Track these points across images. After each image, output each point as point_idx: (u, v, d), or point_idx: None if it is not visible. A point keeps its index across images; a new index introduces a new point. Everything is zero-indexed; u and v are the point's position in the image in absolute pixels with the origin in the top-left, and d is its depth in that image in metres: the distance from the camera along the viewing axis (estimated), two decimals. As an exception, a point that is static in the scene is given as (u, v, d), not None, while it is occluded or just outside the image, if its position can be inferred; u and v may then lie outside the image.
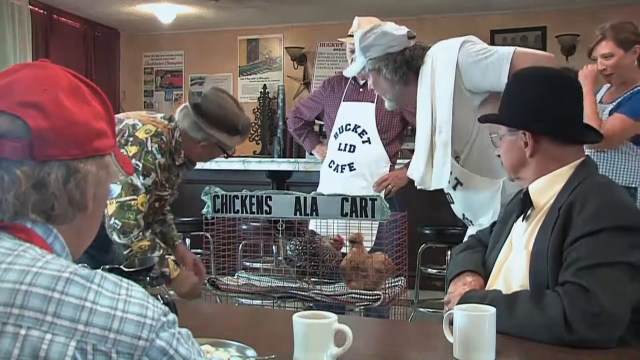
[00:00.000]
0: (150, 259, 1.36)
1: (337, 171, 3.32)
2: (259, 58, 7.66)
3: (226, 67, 7.71)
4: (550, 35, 6.66)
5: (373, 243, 2.67)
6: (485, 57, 2.18)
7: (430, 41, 2.41)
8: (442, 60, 2.25)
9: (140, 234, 2.32)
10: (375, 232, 2.58)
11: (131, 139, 2.32)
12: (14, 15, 6.06)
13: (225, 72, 7.72)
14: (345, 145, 3.31)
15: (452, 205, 2.43)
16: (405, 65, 2.32)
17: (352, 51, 3.30)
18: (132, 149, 2.30)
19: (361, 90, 3.37)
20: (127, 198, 2.29)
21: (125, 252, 2.33)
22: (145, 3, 6.58)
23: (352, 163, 3.28)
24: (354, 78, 3.40)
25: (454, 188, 2.32)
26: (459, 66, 2.20)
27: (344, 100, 3.39)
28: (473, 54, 2.20)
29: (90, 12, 7.01)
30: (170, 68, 8.02)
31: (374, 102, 3.30)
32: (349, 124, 3.32)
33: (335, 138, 3.37)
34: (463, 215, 2.40)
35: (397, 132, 3.36)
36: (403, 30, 2.37)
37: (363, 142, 3.28)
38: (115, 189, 2.30)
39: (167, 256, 2.40)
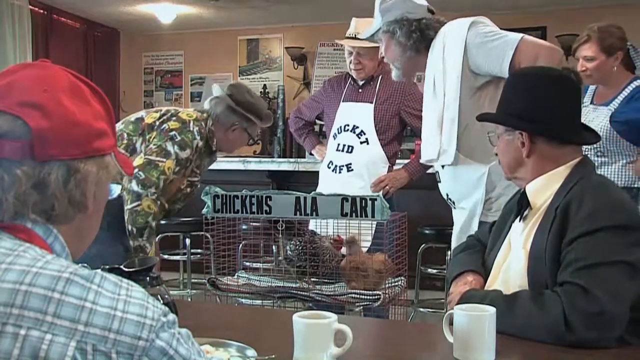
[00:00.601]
0: (150, 259, 1.36)
1: (335, 172, 3.31)
2: (259, 58, 7.67)
3: (226, 67, 7.71)
4: (550, 35, 6.65)
5: (371, 243, 2.67)
6: (491, 40, 2.19)
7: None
8: (452, 37, 2.28)
9: (156, 196, 2.37)
10: (373, 232, 2.58)
11: (174, 117, 2.47)
12: (14, 15, 6.06)
13: (225, 72, 7.72)
14: (344, 146, 3.30)
15: (439, 185, 2.46)
16: (419, 31, 2.35)
17: (350, 53, 3.30)
18: (174, 124, 2.44)
19: (360, 90, 3.36)
20: (156, 158, 2.38)
21: (132, 205, 2.34)
22: (145, 3, 6.58)
23: (350, 164, 3.28)
24: (353, 78, 3.40)
25: (443, 167, 2.35)
26: (466, 45, 2.22)
27: (343, 101, 3.38)
28: (481, 35, 2.21)
29: (90, 12, 7.01)
30: (170, 68, 8.03)
31: (372, 102, 3.29)
32: (348, 125, 3.31)
33: (334, 138, 3.36)
34: (447, 195, 2.42)
35: (396, 132, 3.35)
36: (424, 1, 2.41)
37: (361, 142, 3.27)
38: (116, 189, 2.31)
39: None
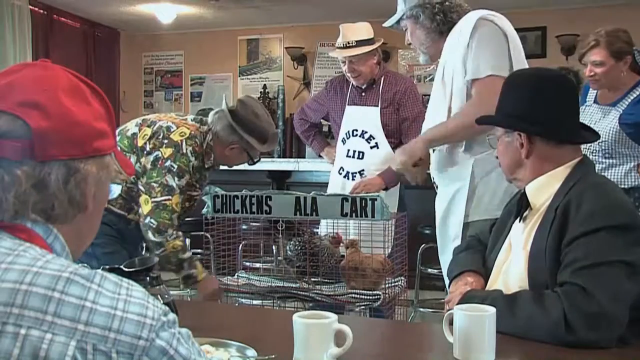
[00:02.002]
0: (150, 259, 1.36)
1: (347, 178, 3.28)
2: (259, 58, 7.67)
3: (226, 67, 7.71)
4: (550, 35, 6.66)
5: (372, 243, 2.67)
6: (476, 51, 2.19)
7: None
8: (462, 30, 2.27)
9: (174, 233, 2.37)
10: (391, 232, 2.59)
11: (166, 141, 2.37)
12: (14, 15, 6.06)
13: (225, 72, 7.73)
14: (354, 152, 3.28)
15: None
16: (442, 13, 2.35)
17: (344, 62, 3.25)
18: (167, 151, 2.36)
19: (364, 94, 3.32)
20: (163, 198, 2.34)
21: (158, 252, 2.37)
22: (145, 3, 6.58)
23: (363, 170, 3.25)
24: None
25: (433, 151, 2.37)
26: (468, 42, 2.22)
27: (348, 104, 3.34)
28: (475, 41, 2.21)
29: (90, 12, 7.01)
30: (170, 68, 8.03)
31: (377, 106, 3.25)
32: (356, 130, 3.28)
33: (344, 144, 3.33)
34: (433, 178, 2.45)
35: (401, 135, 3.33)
36: None
37: (371, 147, 3.25)
38: (116, 189, 2.30)
39: (192, 255, 2.46)
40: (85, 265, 0.85)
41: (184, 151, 2.37)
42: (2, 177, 0.84)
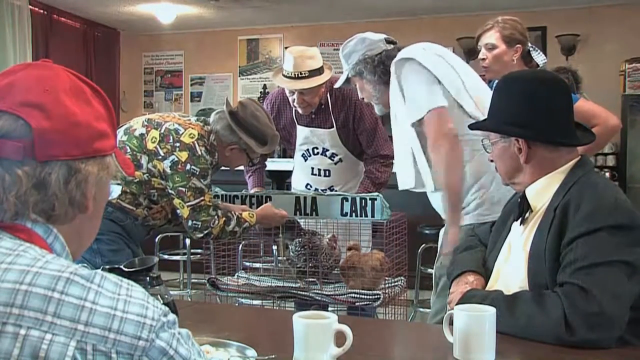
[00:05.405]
0: (150, 259, 1.36)
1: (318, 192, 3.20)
2: (259, 58, 7.67)
3: (226, 67, 7.72)
4: (550, 35, 6.66)
5: (371, 243, 2.67)
6: (407, 88, 2.25)
7: (429, 42, 2.42)
8: (392, 73, 2.31)
9: (216, 220, 2.45)
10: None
11: (178, 144, 2.39)
12: (14, 15, 6.07)
13: (225, 72, 7.73)
14: (319, 170, 3.20)
15: None
16: (381, 64, 2.37)
17: (292, 92, 3.14)
18: (183, 155, 2.38)
19: (314, 116, 3.16)
20: (196, 201, 2.40)
21: (209, 239, 2.54)
22: (145, 3, 6.58)
23: (332, 186, 3.18)
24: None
25: (434, 190, 2.37)
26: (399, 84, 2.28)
27: (299, 124, 3.20)
28: (403, 81, 2.27)
29: (90, 12, 7.02)
30: (170, 68, 8.03)
31: (332, 127, 3.13)
32: (316, 148, 3.18)
33: (305, 160, 3.23)
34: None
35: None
36: (381, 35, 2.45)
37: (336, 163, 3.17)
38: (116, 189, 2.31)
39: (236, 215, 2.53)
40: (86, 265, 0.85)
41: (199, 153, 2.39)
42: (2, 177, 0.84)
